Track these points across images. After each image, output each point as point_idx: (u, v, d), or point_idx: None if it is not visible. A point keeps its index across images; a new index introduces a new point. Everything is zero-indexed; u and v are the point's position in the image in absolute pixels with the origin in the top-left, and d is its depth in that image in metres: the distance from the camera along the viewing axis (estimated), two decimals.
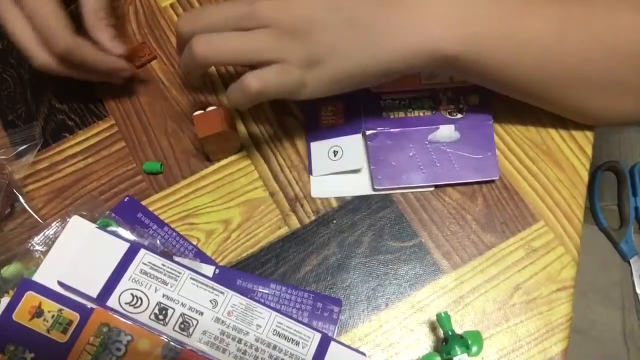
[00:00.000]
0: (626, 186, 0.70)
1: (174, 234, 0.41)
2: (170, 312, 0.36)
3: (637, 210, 0.70)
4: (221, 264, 0.41)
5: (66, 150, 0.46)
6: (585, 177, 0.42)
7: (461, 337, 0.35)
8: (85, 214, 0.39)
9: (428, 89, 0.44)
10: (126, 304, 0.36)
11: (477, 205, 0.41)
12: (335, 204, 0.42)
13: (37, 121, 0.47)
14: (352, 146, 0.43)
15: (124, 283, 0.36)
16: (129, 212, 0.42)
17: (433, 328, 0.38)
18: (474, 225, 0.41)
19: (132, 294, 0.36)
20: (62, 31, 0.41)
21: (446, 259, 0.40)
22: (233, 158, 0.44)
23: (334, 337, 0.37)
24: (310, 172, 0.43)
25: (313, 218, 0.42)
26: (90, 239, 0.38)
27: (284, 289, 0.39)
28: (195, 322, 0.36)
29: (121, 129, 0.46)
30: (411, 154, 0.42)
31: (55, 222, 0.39)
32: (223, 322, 0.36)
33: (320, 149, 0.43)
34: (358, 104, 0.44)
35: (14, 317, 0.35)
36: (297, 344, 0.36)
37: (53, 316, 0.35)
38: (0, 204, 0.42)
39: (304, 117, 0.45)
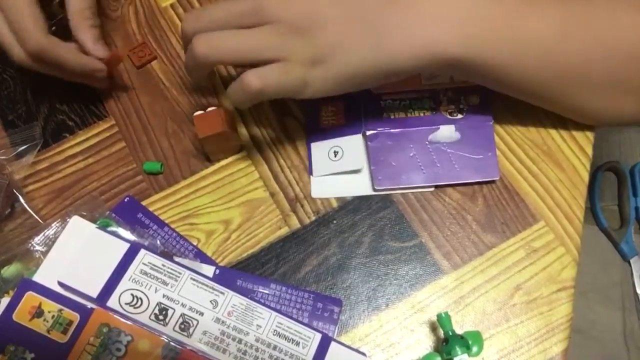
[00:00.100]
0: (626, 186, 0.70)
1: (174, 234, 0.41)
2: (170, 312, 0.36)
3: (637, 210, 0.70)
4: (221, 264, 0.41)
5: (66, 150, 0.46)
6: (586, 177, 0.42)
7: (461, 337, 0.35)
8: (85, 214, 0.39)
9: (428, 89, 0.44)
10: (126, 304, 0.36)
11: (477, 205, 0.41)
12: (335, 204, 0.42)
13: (37, 121, 0.47)
14: (352, 146, 0.43)
15: (124, 283, 0.36)
16: (129, 212, 0.42)
17: (433, 328, 0.38)
18: (474, 225, 0.41)
19: (132, 294, 0.36)
20: (34, 30, 0.40)
21: (446, 259, 0.40)
22: (233, 158, 0.44)
23: (334, 337, 0.37)
24: (310, 172, 0.43)
25: (313, 218, 0.42)
26: (90, 239, 0.38)
27: (284, 289, 0.39)
28: (195, 322, 0.36)
29: (121, 129, 0.46)
30: (411, 154, 0.42)
31: (55, 222, 0.39)
32: (223, 322, 0.36)
33: (320, 149, 0.43)
34: (358, 104, 0.44)
35: (14, 317, 0.35)
36: (297, 344, 0.36)
37: (53, 316, 0.35)
38: (0, 204, 0.42)
39: (304, 117, 0.45)
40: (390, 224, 0.41)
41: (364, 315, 0.39)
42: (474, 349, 0.35)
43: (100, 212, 0.40)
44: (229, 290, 0.37)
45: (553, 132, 0.43)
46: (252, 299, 0.37)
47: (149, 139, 0.45)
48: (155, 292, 0.36)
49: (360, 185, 0.42)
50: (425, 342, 0.38)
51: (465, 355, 0.34)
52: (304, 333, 0.36)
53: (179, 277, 0.37)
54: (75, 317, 0.35)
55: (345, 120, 0.44)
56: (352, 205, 0.42)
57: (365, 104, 0.44)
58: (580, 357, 0.62)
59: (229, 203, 0.43)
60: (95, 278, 0.36)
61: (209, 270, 0.39)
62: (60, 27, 0.45)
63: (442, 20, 0.34)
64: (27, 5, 0.41)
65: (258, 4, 0.36)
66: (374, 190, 0.42)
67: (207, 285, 0.37)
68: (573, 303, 0.38)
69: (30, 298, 0.36)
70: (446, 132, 0.43)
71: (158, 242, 0.39)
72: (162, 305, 0.36)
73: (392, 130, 0.43)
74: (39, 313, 0.35)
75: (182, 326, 0.36)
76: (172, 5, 0.51)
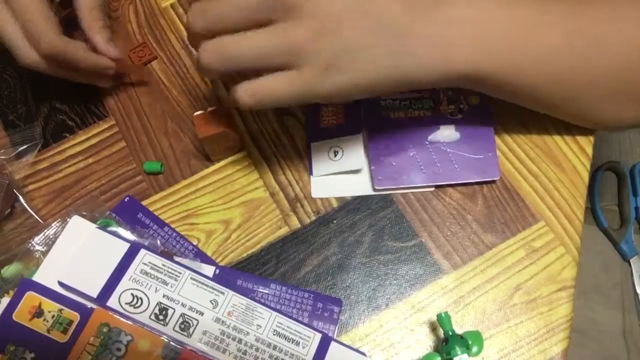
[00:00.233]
0: (626, 186, 0.70)
1: (174, 234, 0.41)
2: (170, 312, 0.36)
3: (637, 210, 0.70)
4: (221, 263, 0.41)
5: (66, 150, 0.46)
6: (586, 177, 0.42)
7: (461, 337, 0.35)
8: (85, 213, 0.39)
9: (428, 89, 0.44)
10: (126, 303, 0.36)
11: (477, 205, 0.41)
12: (335, 204, 0.42)
13: (37, 121, 0.47)
14: (352, 146, 0.43)
15: (124, 283, 0.36)
16: (129, 212, 0.42)
17: (433, 328, 0.38)
18: (474, 225, 0.41)
19: (132, 294, 0.36)
20: (48, 30, 0.40)
21: (446, 259, 0.40)
22: (233, 158, 0.44)
23: (334, 337, 0.37)
24: (310, 172, 0.43)
25: (313, 218, 0.42)
26: (90, 239, 0.38)
27: (284, 288, 0.39)
28: (195, 322, 0.36)
29: (121, 129, 0.46)
30: (411, 154, 0.42)
31: (55, 222, 0.39)
32: (223, 322, 0.36)
33: (320, 149, 0.43)
34: (358, 104, 0.44)
35: (14, 316, 0.35)
36: (297, 343, 0.36)
37: (53, 316, 0.35)
38: (1, 204, 0.42)
39: (304, 117, 0.45)
40: (390, 224, 0.41)
41: (364, 315, 0.39)
42: (474, 349, 0.35)
43: (100, 212, 0.40)
44: (229, 290, 0.37)
45: (553, 132, 0.43)
46: (252, 298, 0.37)
47: (149, 139, 0.46)
48: (156, 291, 0.36)
49: (360, 185, 0.42)
50: (425, 342, 0.38)
51: (465, 355, 0.34)
52: (304, 333, 0.36)
53: (179, 277, 0.37)
54: (75, 316, 0.35)
55: (345, 120, 0.44)
56: (352, 205, 0.42)
57: (365, 104, 0.44)
58: (580, 357, 0.62)
59: (229, 203, 0.43)
60: (95, 278, 0.36)
61: (209, 270, 0.39)
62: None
63: (460, 35, 0.34)
64: (39, 5, 0.40)
65: None
66: (374, 190, 0.42)
67: (207, 285, 0.37)
68: (573, 303, 0.38)
69: (30, 298, 0.36)
70: (446, 132, 0.43)
71: (158, 242, 0.39)
72: (162, 305, 0.36)
73: (392, 130, 0.43)
74: (39, 313, 0.35)
75: (182, 326, 0.36)
76: (172, 5, 0.51)
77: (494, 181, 0.42)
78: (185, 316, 0.36)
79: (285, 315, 0.37)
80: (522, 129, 0.43)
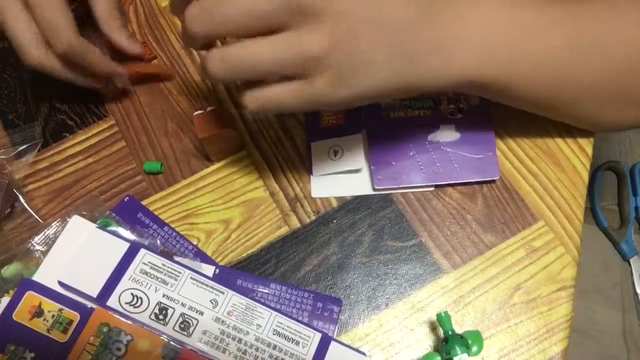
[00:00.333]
0: (626, 186, 0.71)
1: (174, 234, 0.41)
2: (170, 311, 0.36)
3: (637, 210, 0.70)
4: (221, 263, 0.41)
5: (66, 149, 0.46)
6: (585, 176, 0.42)
7: (461, 336, 0.35)
8: (85, 213, 0.39)
9: None
10: (126, 303, 0.36)
11: (477, 205, 0.41)
12: (335, 204, 0.42)
13: (37, 121, 0.47)
14: (352, 146, 0.43)
15: (124, 282, 0.36)
16: (128, 212, 0.42)
17: (433, 328, 0.38)
18: (474, 225, 0.41)
19: (132, 294, 0.36)
20: (67, 29, 0.40)
21: (446, 258, 0.40)
22: (233, 158, 0.44)
23: (334, 337, 0.37)
24: (310, 172, 0.43)
25: (313, 218, 0.42)
26: (90, 239, 0.38)
27: (284, 288, 0.39)
28: (195, 322, 0.36)
29: (121, 128, 0.46)
30: (411, 154, 0.42)
31: (55, 222, 0.39)
32: (223, 321, 0.36)
33: (320, 148, 0.43)
34: None
35: (14, 316, 0.35)
36: (297, 343, 0.36)
37: (53, 316, 0.35)
38: (0, 204, 0.42)
39: (304, 117, 0.45)
40: (390, 224, 0.41)
41: (364, 314, 0.39)
42: (474, 348, 0.35)
43: (100, 211, 0.40)
44: (229, 290, 0.37)
45: (553, 131, 0.43)
46: (252, 298, 0.37)
47: (149, 139, 0.46)
48: (155, 291, 0.36)
49: (360, 185, 0.42)
50: (425, 342, 0.38)
51: (465, 354, 0.34)
52: (304, 332, 0.36)
53: (179, 276, 0.37)
54: (75, 316, 0.35)
55: (345, 119, 0.44)
56: (352, 205, 0.42)
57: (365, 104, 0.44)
58: (580, 357, 0.62)
59: (229, 203, 0.43)
60: (95, 277, 0.36)
61: (209, 269, 0.39)
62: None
63: (467, 42, 0.33)
64: (60, 4, 0.40)
65: (290, 3, 0.29)
66: (374, 189, 0.42)
67: (207, 285, 0.37)
68: (573, 303, 0.38)
69: (30, 297, 0.36)
70: (446, 131, 0.43)
71: (158, 241, 0.39)
72: (162, 305, 0.36)
73: (392, 130, 0.43)
74: (39, 312, 0.35)
75: (182, 326, 0.36)
76: None
77: (493, 181, 0.42)
78: (185, 316, 0.36)
79: (285, 315, 0.37)
80: (522, 129, 0.43)
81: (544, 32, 0.35)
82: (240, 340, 0.36)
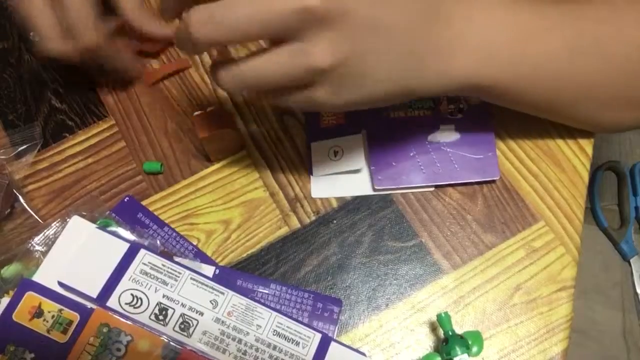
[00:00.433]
0: (626, 186, 0.71)
1: (174, 234, 0.41)
2: (170, 312, 0.36)
3: (637, 210, 0.70)
4: (221, 264, 0.41)
5: (66, 150, 0.46)
6: (586, 177, 0.42)
7: (461, 337, 0.35)
8: (85, 213, 0.39)
9: None
10: (126, 304, 0.36)
11: (477, 205, 0.41)
12: (335, 204, 0.42)
13: (37, 121, 0.47)
14: (352, 146, 0.43)
15: (124, 283, 0.36)
16: (128, 212, 0.42)
17: (433, 328, 0.38)
18: (474, 225, 0.41)
19: (131, 294, 0.36)
20: (92, 26, 0.41)
21: (446, 259, 0.40)
22: (233, 158, 0.44)
23: (334, 337, 0.37)
24: (310, 172, 0.43)
25: (313, 218, 0.42)
26: (90, 239, 0.38)
27: (284, 288, 0.39)
28: (195, 322, 0.36)
29: (121, 128, 0.46)
30: (411, 154, 0.42)
31: (55, 222, 0.39)
32: (223, 322, 0.36)
33: (320, 149, 0.43)
34: None
35: (14, 317, 0.35)
36: (297, 344, 0.36)
37: (53, 316, 0.35)
38: (0, 204, 0.42)
39: (304, 117, 0.45)
40: (390, 224, 0.41)
41: (364, 315, 0.39)
42: (474, 349, 0.35)
43: (100, 212, 0.40)
44: (229, 290, 0.37)
45: (553, 132, 0.43)
46: (252, 299, 0.37)
47: (149, 139, 0.45)
48: (155, 292, 0.36)
49: (360, 185, 0.42)
50: (425, 342, 0.38)
51: (465, 355, 0.34)
52: (304, 333, 0.36)
53: (179, 277, 0.37)
54: (75, 317, 0.35)
55: (345, 120, 0.44)
56: (352, 205, 0.42)
57: None
58: (580, 357, 0.62)
59: (229, 203, 0.43)
60: (95, 278, 0.36)
61: (209, 270, 0.39)
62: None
63: (468, 47, 0.33)
64: None
65: (310, 9, 0.28)
66: (374, 190, 0.42)
67: (207, 285, 0.37)
68: (573, 303, 0.38)
69: (30, 298, 0.36)
70: (446, 131, 0.43)
71: (158, 242, 0.39)
72: (162, 305, 0.36)
73: (392, 130, 0.43)
74: (38, 313, 0.35)
75: (182, 326, 0.36)
76: None
77: (493, 181, 0.42)
78: (185, 316, 0.36)
79: (285, 315, 0.37)
80: (522, 129, 0.43)
81: (543, 34, 0.35)
82: (240, 341, 0.36)
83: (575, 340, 0.59)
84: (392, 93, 0.33)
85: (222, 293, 0.37)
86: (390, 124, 0.43)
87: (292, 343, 0.36)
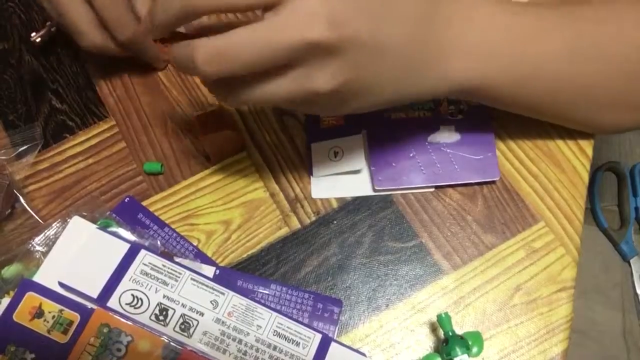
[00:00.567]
0: (626, 186, 0.71)
1: (174, 235, 0.41)
2: (170, 312, 0.36)
3: (637, 210, 0.70)
4: (221, 264, 0.41)
5: (66, 150, 0.46)
6: (586, 177, 0.42)
7: (461, 337, 0.35)
8: (85, 214, 0.39)
9: None
10: (126, 304, 0.36)
11: (477, 205, 0.41)
12: (335, 205, 0.42)
13: (37, 121, 0.47)
14: (352, 147, 0.43)
15: (124, 283, 0.36)
16: (129, 213, 0.42)
17: (433, 328, 0.38)
18: (474, 225, 0.41)
19: (132, 295, 0.36)
20: (129, 19, 0.41)
21: (446, 259, 0.40)
22: (233, 158, 0.44)
23: (334, 338, 0.37)
24: (310, 173, 0.43)
25: (313, 218, 0.42)
26: (91, 240, 0.38)
27: (284, 289, 0.39)
28: (195, 323, 0.36)
29: (121, 129, 0.46)
30: (411, 155, 0.42)
31: (55, 223, 0.39)
32: (223, 322, 0.36)
33: (320, 149, 0.43)
34: None
35: (14, 317, 0.35)
36: (297, 344, 0.36)
37: (53, 316, 0.35)
38: (1, 204, 0.42)
39: (304, 118, 0.45)
40: (391, 225, 0.41)
41: (364, 315, 0.39)
42: (474, 349, 0.35)
43: (100, 212, 0.40)
44: (229, 291, 0.37)
45: (553, 132, 0.43)
46: (252, 299, 0.37)
47: (149, 139, 0.46)
48: (156, 292, 0.36)
49: (360, 186, 0.42)
50: (426, 343, 0.38)
51: (465, 355, 0.34)
52: (304, 333, 0.36)
53: (179, 277, 0.37)
54: (76, 317, 0.35)
55: (345, 120, 0.44)
56: (352, 206, 0.42)
57: None
58: (580, 357, 0.62)
59: (229, 203, 0.43)
60: (95, 278, 0.36)
61: (209, 270, 0.39)
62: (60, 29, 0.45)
63: (467, 49, 0.34)
64: None
65: (315, 42, 0.28)
66: (374, 190, 0.42)
67: (207, 286, 0.37)
68: (573, 303, 0.38)
69: (31, 298, 0.36)
70: (446, 132, 0.43)
71: (158, 242, 0.39)
72: (163, 306, 0.36)
73: (392, 131, 0.43)
74: (39, 313, 0.35)
75: (183, 326, 0.36)
76: None
77: (494, 182, 0.42)
78: (186, 317, 0.36)
79: (286, 315, 0.37)
80: (522, 130, 0.43)
81: (543, 35, 0.35)
82: (240, 341, 0.36)
83: (575, 340, 0.59)
84: (394, 100, 0.34)
85: (223, 293, 0.37)
86: (391, 125, 0.43)
87: (293, 343, 0.36)
